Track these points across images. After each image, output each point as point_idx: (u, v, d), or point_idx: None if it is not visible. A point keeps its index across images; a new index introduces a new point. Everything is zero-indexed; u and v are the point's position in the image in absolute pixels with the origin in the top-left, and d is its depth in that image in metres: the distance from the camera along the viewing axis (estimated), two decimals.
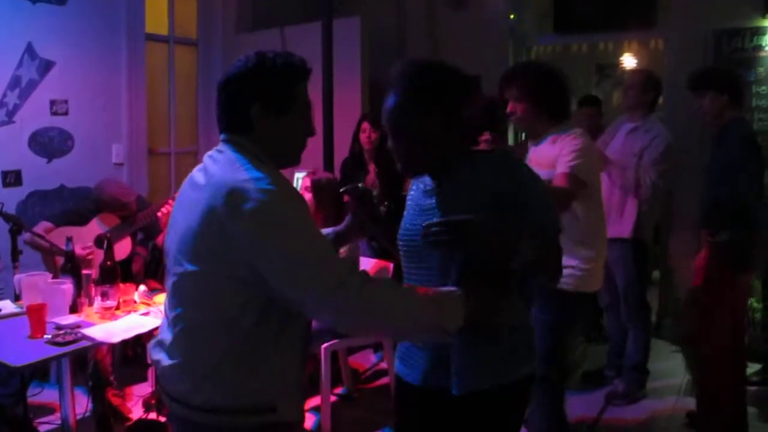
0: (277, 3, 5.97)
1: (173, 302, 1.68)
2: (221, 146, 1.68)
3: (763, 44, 4.94)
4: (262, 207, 1.50)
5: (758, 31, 4.95)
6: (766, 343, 4.42)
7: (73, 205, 4.28)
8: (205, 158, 1.69)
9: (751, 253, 3.31)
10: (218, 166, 1.62)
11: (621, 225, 3.96)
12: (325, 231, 1.98)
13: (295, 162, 1.76)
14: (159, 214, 3.85)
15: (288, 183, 1.63)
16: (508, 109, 2.92)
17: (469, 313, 1.62)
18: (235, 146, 1.64)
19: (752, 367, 4.28)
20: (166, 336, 1.69)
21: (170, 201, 3.82)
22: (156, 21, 5.49)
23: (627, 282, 4.03)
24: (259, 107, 1.62)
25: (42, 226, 3.93)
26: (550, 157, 2.83)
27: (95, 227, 3.98)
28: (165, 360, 1.67)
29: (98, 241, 3.76)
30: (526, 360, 1.87)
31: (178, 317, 1.65)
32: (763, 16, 4.90)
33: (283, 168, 1.72)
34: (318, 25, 4.36)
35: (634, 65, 7.58)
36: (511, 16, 5.85)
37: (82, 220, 4.02)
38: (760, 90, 4.97)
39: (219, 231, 1.53)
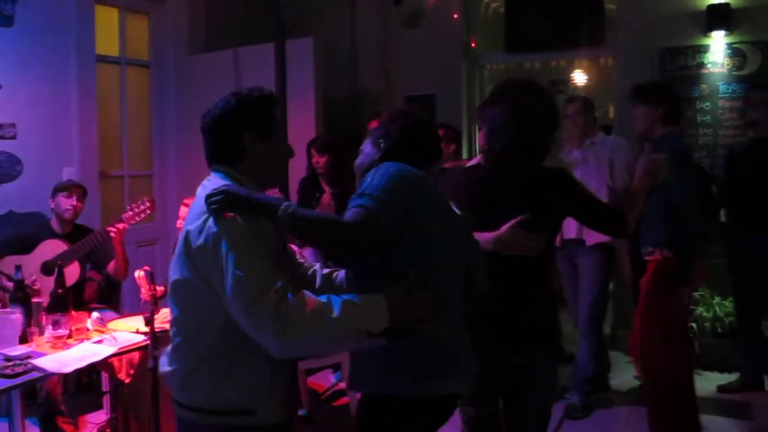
0: (229, 24, 5.96)
1: (170, 307, 1.87)
2: (212, 175, 1.90)
3: (706, 62, 5.10)
4: (222, 223, 1.69)
5: (701, 49, 5.11)
6: (715, 352, 4.52)
7: (21, 231, 4.08)
8: (199, 187, 1.88)
9: (685, 269, 3.27)
10: (206, 191, 1.79)
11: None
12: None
13: (281, 179, 1.98)
14: (111, 234, 3.74)
15: None
16: None
17: (394, 314, 1.69)
18: (223, 173, 1.87)
19: (723, 378, 4.40)
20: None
21: (117, 225, 3.75)
22: (107, 42, 5.43)
23: (599, 289, 4.10)
24: (250, 135, 1.87)
25: None
26: None
27: (39, 255, 3.79)
28: (163, 365, 1.87)
29: (45, 269, 3.64)
30: (425, 377, 1.85)
31: (173, 321, 1.85)
32: (705, 35, 5.06)
33: (271, 187, 2.02)
34: (271, 46, 4.37)
35: (585, 81, 7.76)
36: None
37: (30, 246, 3.82)
38: (704, 106, 5.12)
39: (190, 244, 1.73)
